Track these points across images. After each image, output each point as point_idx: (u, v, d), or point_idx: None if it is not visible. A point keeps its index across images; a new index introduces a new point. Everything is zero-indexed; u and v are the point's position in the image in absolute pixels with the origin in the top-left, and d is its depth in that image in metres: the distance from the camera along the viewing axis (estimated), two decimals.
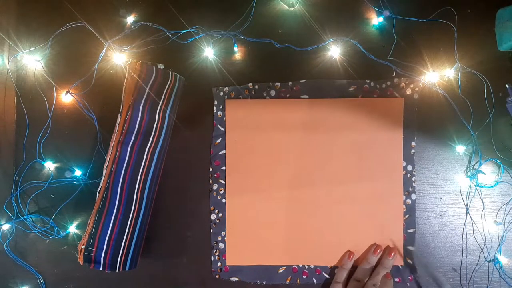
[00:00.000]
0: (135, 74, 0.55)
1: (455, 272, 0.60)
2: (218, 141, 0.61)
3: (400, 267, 0.60)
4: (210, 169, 0.61)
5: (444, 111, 0.60)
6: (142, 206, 0.56)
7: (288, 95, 0.61)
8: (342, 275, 0.59)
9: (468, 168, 0.60)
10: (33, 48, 0.61)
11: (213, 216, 0.61)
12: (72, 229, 0.61)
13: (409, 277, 0.60)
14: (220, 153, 0.61)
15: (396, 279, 0.60)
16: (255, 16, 0.60)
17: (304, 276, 0.61)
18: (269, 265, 0.61)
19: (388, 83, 0.60)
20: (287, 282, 0.61)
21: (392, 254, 0.58)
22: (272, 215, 0.61)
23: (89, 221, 0.55)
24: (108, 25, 0.61)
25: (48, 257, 0.62)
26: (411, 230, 0.60)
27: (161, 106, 0.57)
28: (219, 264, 0.61)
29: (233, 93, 0.61)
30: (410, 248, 0.60)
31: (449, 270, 0.60)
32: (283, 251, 0.61)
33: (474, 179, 0.59)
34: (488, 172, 0.60)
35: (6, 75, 0.62)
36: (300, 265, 0.61)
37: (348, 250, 0.60)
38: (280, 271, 0.61)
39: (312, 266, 0.61)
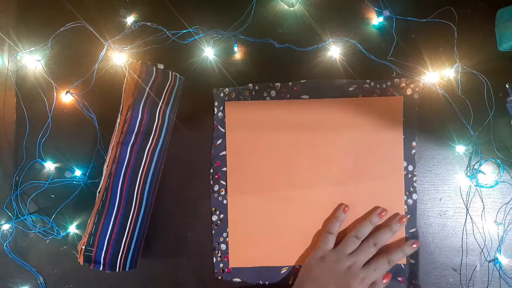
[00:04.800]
0: (135, 74, 0.55)
1: (455, 272, 0.60)
2: (219, 142, 0.61)
3: (403, 266, 0.60)
4: (211, 170, 0.61)
5: (444, 111, 0.60)
6: (142, 206, 0.56)
7: (288, 95, 0.61)
8: (335, 227, 0.58)
9: (468, 168, 0.60)
10: (33, 48, 0.61)
11: (214, 217, 0.61)
12: (72, 229, 0.61)
13: (413, 281, 0.59)
14: (220, 154, 0.61)
15: (399, 278, 0.60)
16: (255, 16, 0.60)
17: None
18: (271, 266, 0.61)
19: (389, 83, 0.60)
20: (290, 282, 0.60)
21: (404, 219, 0.58)
22: (273, 216, 0.61)
23: (89, 221, 0.55)
24: (108, 25, 0.61)
25: (48, 257, 0.62)
26: (412, 230, 0.60)
27: (161, 106, 0.57)
28: (221, 265, 0.61)
29: (233, 94, 0.61)
30: None
31: (449, 270, 0.60)
32: (286, 251, 0.60)
33: (474, 179, 0.59)
34: (488, 172, 0.59)
35: (6, 75, 0.62)
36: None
37: (342, 203, 0.59)
38: (282, 271, 0.61)
39: None
